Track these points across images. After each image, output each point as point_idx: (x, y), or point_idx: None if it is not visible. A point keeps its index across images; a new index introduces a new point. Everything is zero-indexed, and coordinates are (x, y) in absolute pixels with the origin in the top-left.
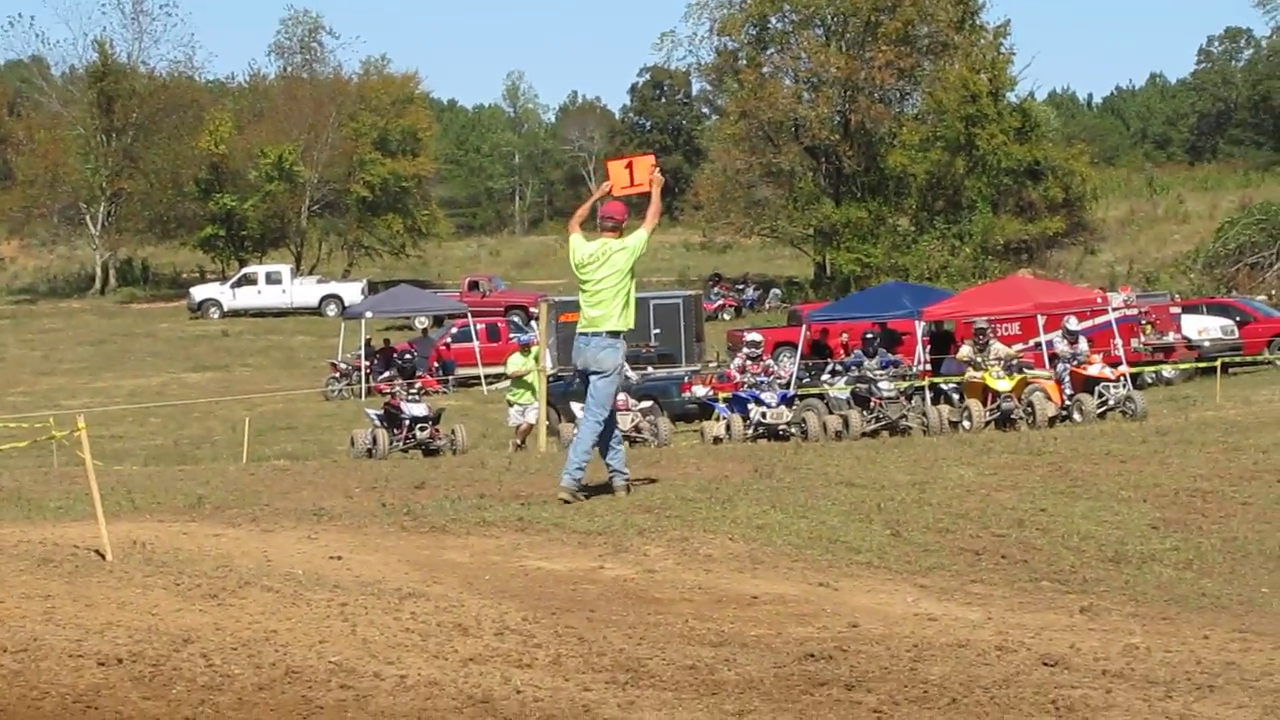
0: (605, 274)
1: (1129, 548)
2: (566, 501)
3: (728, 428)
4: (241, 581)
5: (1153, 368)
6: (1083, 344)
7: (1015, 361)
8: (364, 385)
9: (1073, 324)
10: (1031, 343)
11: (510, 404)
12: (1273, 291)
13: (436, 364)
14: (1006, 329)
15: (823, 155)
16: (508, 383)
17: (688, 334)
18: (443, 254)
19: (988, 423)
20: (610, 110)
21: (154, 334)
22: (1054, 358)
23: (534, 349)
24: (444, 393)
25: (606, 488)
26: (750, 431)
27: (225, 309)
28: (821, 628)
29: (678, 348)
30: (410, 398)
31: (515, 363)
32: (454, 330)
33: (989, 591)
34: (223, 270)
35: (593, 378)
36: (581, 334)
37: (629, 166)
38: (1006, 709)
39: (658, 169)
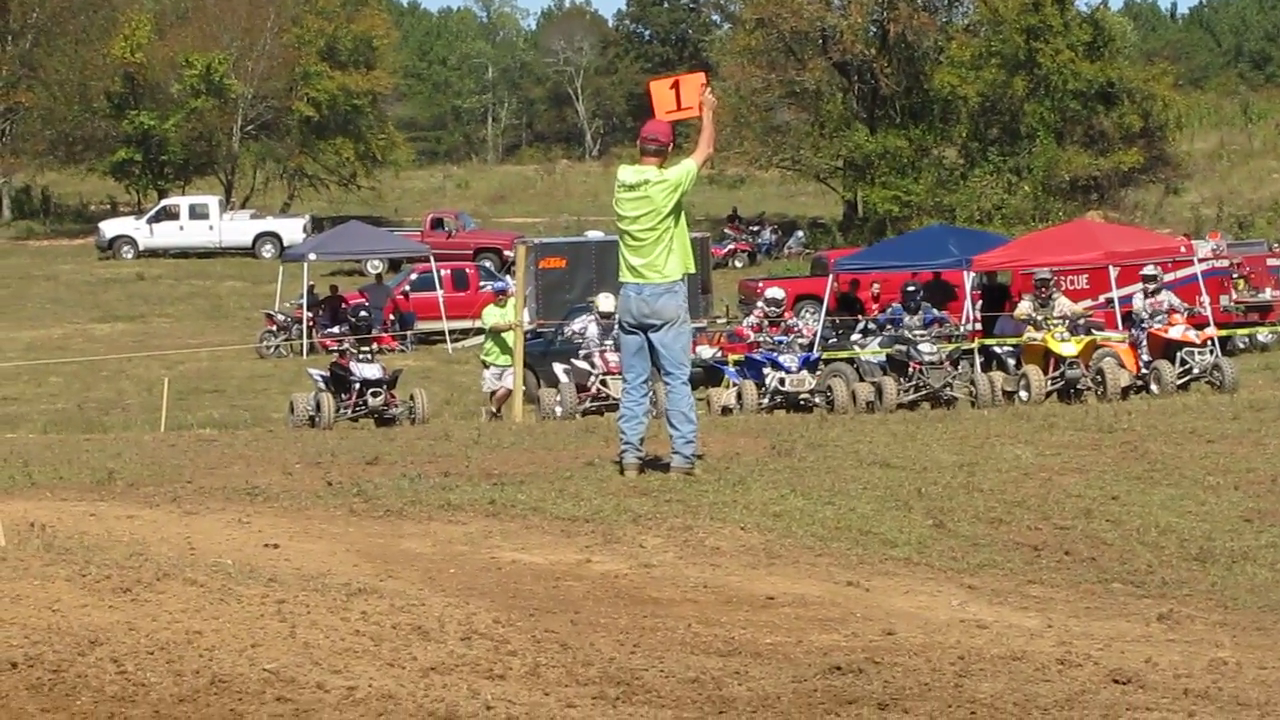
0: (640, 213)
1: (1217, 544)
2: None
3: (739, 396)
4: (159, 573)
5: (1246, 330)
6: (1167, 298)
7: (1083, 321)
8: (306, 341)
9: (1152, 270)
10: (1102, 298)
11: (485, 365)
12: None
13: (393, 317)
14: (1072, 282)
15: (855, 73)
16: (481, 340)
17: (691, 284)
18: (401, 185)
19: (1049, 393)
20: (602, 17)
21: (55, 276)
22: (1128, 317)
23: (510, 300)
24: (402, 351)
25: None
26: (766, 401)
27: (141, 248)
28: (850, 635)
29: None
30: (361, 356)
31: (492, 316)
32: (414, 277)
33: (1049, 594)
34: (138, 202)
35: (654, 335)
36: (625, 283)
37: (675, 87)
38: None
39: (709, 89)
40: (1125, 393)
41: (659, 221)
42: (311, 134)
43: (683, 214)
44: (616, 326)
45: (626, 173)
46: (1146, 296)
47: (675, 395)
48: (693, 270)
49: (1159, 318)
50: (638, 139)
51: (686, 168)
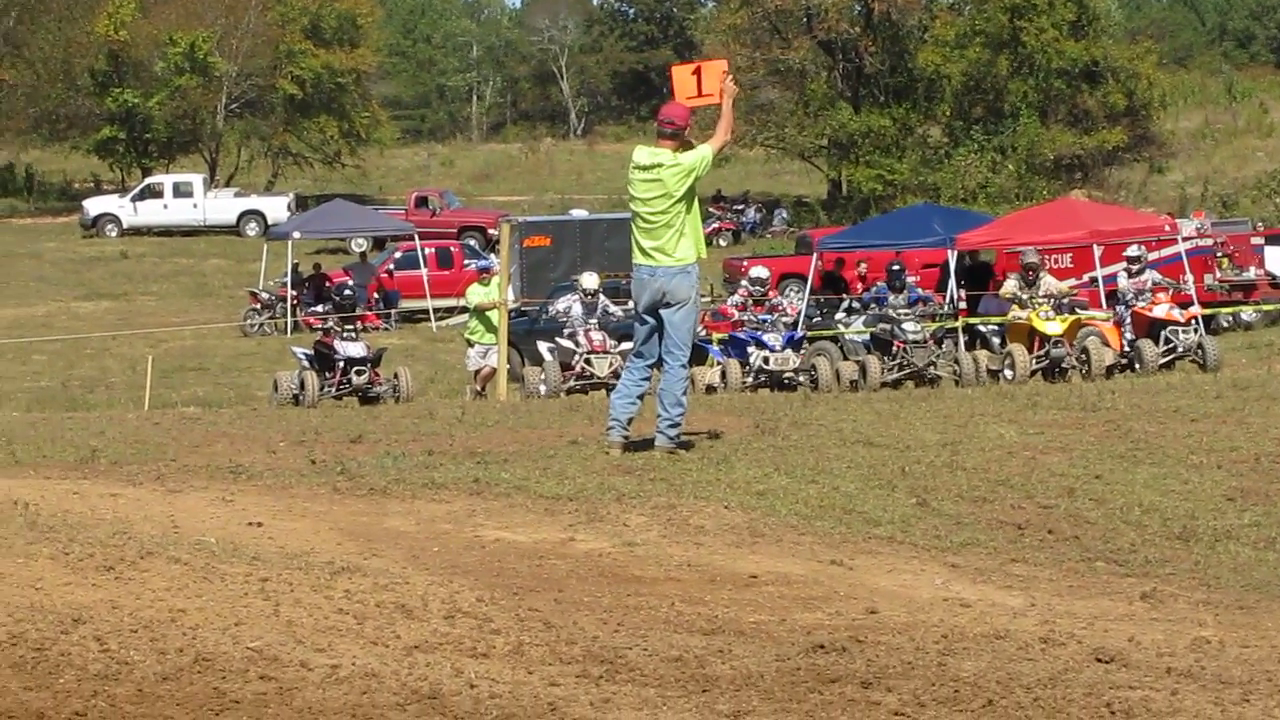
0: (652, 195)
1: (1200, 523)
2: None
3: (723, 375)
4: (143, 551)
5: (1230, 309)
6: (1151, 276)
7: (1067, 300)
8: (290, 319)
9: (1135, 250)
10: (1086, 277)
11: (469, 344)
12: None
13: (377, 295)
14: (1056, 261)
15: (840, 51)
16: (465, 319)
17: None
18: (385, 164)
19: (1034, 372)
20: None
21: (39, 255)
22: (1112, 295)
23: (494, 278)
24: (385, 329)
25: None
26: (750, 379)
27: (125, 226)
28: (833, 614)
29: None
30: (345, 335)
31: (475, 294)
32: (398, 255)
33: (1033, 573)
34: (122, 180)
35: (665, 312)
36: (639, 265)
37: (696, 73)
38: (1053, 713)
39: (730, 76)
40: (1109, 371)
41: (670, 205)
42: (296, 112)
43: (695, 199)
44: (603, 311)
45: (641, 154)
46: (1130, 277)
47: (671, 376)
48: (704, 255)
49: (1144, 296)
50: (655, 120)
51: (702, 153)
